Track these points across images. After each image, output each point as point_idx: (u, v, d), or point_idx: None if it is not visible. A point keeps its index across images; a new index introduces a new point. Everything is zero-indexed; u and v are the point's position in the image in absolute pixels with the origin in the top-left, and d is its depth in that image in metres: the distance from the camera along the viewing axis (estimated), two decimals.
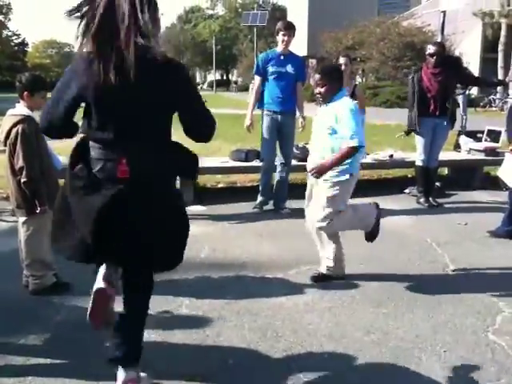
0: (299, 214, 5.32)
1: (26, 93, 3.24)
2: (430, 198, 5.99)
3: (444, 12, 8.69)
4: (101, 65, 1.88)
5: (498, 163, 5.06)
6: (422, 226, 5.20)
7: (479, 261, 4.20)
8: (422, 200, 6.00)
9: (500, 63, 24.28)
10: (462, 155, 7.23)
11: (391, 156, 6.74)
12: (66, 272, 3.45)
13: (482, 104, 22.05)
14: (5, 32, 55.25)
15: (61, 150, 3.86)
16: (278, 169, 5.61)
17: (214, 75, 60.47)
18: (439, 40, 8.24)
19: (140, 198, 2.01)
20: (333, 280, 3.72)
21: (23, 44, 62.96)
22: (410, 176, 7.04)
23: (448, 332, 3.04)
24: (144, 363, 2.43)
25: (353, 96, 5.04)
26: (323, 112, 3.55)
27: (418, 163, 6.00)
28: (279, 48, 5.38)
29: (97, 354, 2.62)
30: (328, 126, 3.45)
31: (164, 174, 2.10)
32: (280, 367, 2.68)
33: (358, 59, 28.09)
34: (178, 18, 74.44)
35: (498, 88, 23.23)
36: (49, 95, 2.18)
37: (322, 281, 3.71)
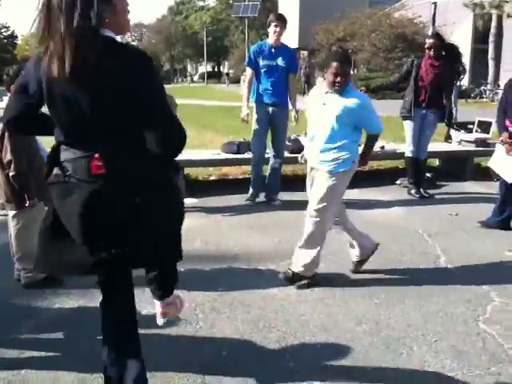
0: (291, 205, 5.36)
1: (12, 86, 3.21)
2: (421, 189, 6.02)
3: (435, 3, 8.72)
4: (47, 56, 1.76)
5: (489, 154, 5.09)
6: (413, 217, 5.23)
7: (470, 251, 4.24)
8: (413, 191, 6.03)
9: (490, 54, 24.33)
10: (452, 146, 7.27)
11: (382, 147, 6.76)
12: None
13: (472, 95, 22.13)
14: None
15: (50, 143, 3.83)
16: (271, 161, 5.61)
17: (205, 67, 60.15)
18: (430, 31, 8.24)
19: (120, 195, 1.87)
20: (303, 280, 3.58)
21: (12, 37, 62.39)
22: (401, 167, 7.07)
23: (439, 321, 3.07)
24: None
25: None
26: (334, 101, 3.41)
27: (408, 154, 6.01)
28: (271, 40, 5.37)
29: (89, 347, 2.62)
30: (338, 115, 3.36)
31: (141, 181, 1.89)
32: (273, 358, 2.69)
33: (350, 51, 28.04)
34: (168, 9, 73.96)
35: (489, 79, 23.39)
36: None
37: (298, 280, 3.57)
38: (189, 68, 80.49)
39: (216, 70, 72.01)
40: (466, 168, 6.97)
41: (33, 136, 3.29)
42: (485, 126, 7.20)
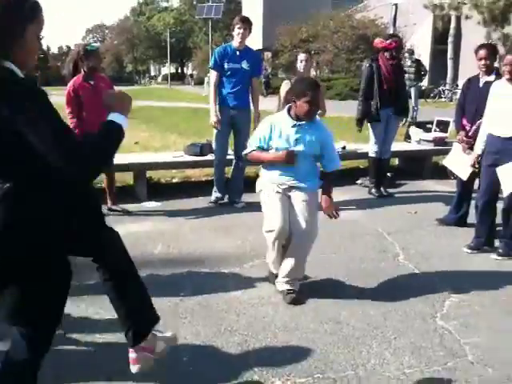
0: (255, 207, 5.34)
1: None
2: (382, 188, 6.13)
3: (396, 5, 8.89)
4: None
5: (447, 153, 5.21)
6: (373, 216, 5.31)
7: (428, 249, 4.33)
8: (373, 190, 6.12)
9: (450, 55, 24.90)
10: (411, 145, 7.42)
11: (344, 148, 6.84)
12: None
13: (431, 95, 22.62)
14: None
15: None
16: (234, 163, 5.60)
17: (168, 68, 59.58)
18: (391, 32, 8.39)
19: None
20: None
21: None
22: (361, 167, 7.17)
23: (398, 319, 3.12)
24: (93, 365, 2.39)
25: None
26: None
27: (372, 154, 6.08)
28: (235, 43, 5.34)
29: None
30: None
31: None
32: (234, 362, 2.68)
33: (313, 52, 28.30)
34: (131, 10, 73.20)
35: (448, 79, 23.95)
36: None
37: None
38: (152, 69, 79.70)
39: (180, 71, 71.55)
40: (425, 167, 7.14)
41: None
42: (443, 126, 7.38)
